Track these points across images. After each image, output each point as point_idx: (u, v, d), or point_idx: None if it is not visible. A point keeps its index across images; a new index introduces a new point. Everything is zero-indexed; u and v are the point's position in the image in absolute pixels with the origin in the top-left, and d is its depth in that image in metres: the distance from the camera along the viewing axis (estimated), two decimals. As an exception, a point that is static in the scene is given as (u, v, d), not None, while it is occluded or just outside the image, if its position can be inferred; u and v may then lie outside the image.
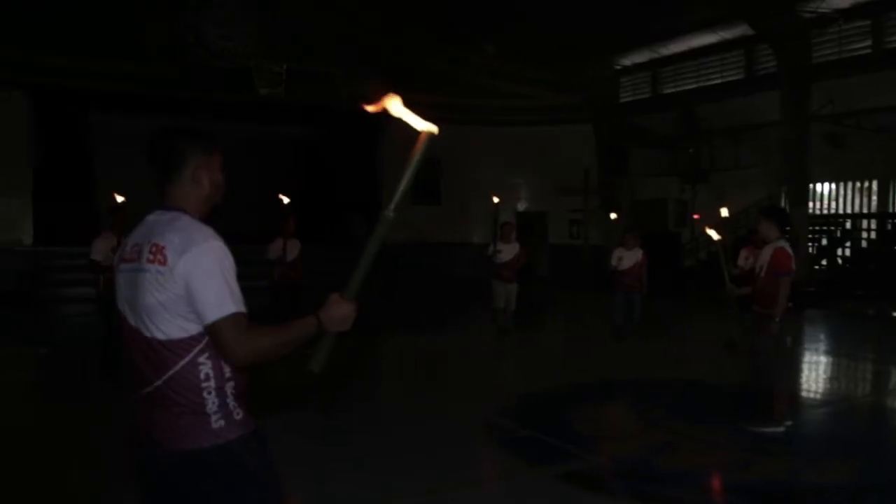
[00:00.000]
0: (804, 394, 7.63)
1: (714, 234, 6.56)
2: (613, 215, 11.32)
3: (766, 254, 6.09)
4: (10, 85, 15.54)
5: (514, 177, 21.17)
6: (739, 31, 16.63)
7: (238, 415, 2.12)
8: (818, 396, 7.72)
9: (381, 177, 19.34)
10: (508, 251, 10.50)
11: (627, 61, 19.42)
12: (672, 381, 8.08)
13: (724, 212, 7.04)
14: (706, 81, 18.02)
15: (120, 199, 8.15)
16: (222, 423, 2.08)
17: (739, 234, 6.30)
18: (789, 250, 5.99)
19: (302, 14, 17.83)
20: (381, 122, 19.60)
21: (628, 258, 10.05)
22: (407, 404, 7.00)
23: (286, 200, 9.84)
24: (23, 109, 15.90)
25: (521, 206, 21.61)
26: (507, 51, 19.08)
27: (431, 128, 2.00)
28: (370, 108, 2.04)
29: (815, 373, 9.12)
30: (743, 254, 9.11)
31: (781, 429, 5.97)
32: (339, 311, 2.09)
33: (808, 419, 6.78)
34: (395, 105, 1.99)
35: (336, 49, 17.72)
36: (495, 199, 11.47)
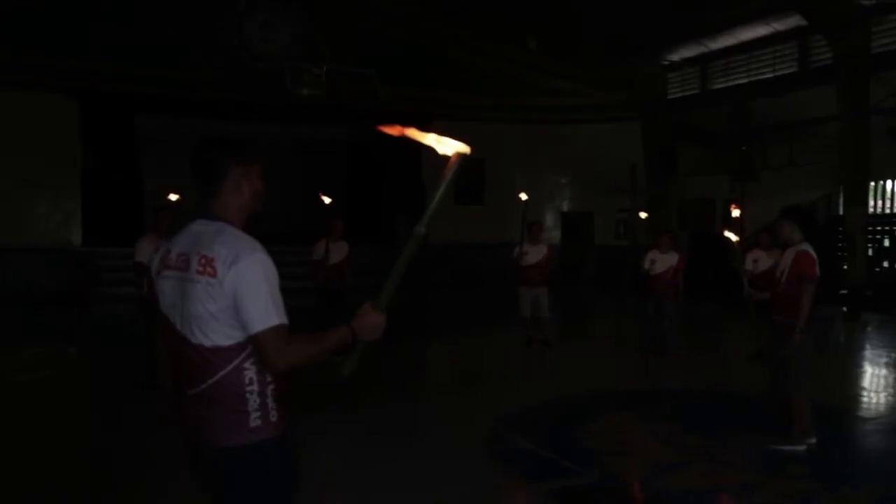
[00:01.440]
0: (841, 407, 7.07)
1: (731, 236, 6.13)
2: (643, 214, 10.49)
3: (787, 258, 5.66)
4: (61, 90, 15.98)
5: (560, 176, 20.77)
6: (793, 21, 15.82)
7: (274, 416, 2.24)
8: (858, 411, 7.15)
9: (425, 178, 19.21)
10: (536, 253, 9.90)
11: (675, 56, 18.75)
12: (695, 392, 7.66)
13: (736, 212, 6.52)
14: (758, 76, 17.22)
15: (174, 196, 8.15)
16: (259, 422, 2.20)
17: (749, 237, 5.68)
18: (813, 254, 5.54)
19: (341, 15, 17.91)
20: (425, 123, 19.66)
21: (662, 262, 9.27)
22: (411, 411, 6.81)
23: (328, 201, 9.50)
24: (73, 114, 16.36)
25: (566, 206, 21.17)
26: (551, 47, 18.70)
27: (464, 148, 2.04)
28: (392, 132, 2.11)
29: (860, 384, 8.49)
30: (750, 257, 8.50)
31: (802, 447, 5.54)
32: (371, 321, 2.21)
33: (841, 437, 6.26)
34: (423, 134, 2.07)
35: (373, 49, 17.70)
36: (522, 196, 10.67)
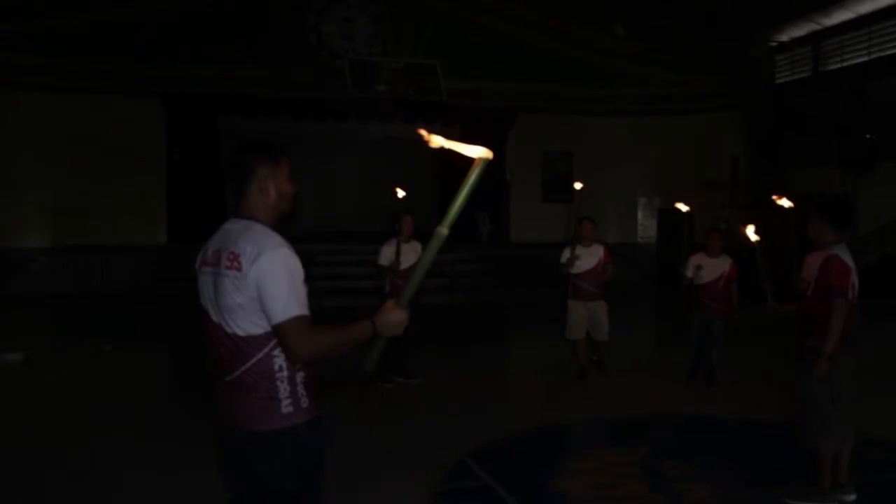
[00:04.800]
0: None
1: (752, 235, 4.95)
2: (685, 207, 8.59)
3: (814, 265, 4.48)
4: (147, 93, 16.48)
5: (654, 170, 19.24)
6: (922, -12, 13.73)
7: (304, 402, 2.39)
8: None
9: (509, 175, 18.36)
10: (589, 256, 8.00)
11: (784, 36, 16.81)
12: (726, 423, 6.38)
13: (787, 203, 5.19)
14: (880, 53, 15.05)
15: None
16: (291, 408, 2.35)
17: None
18: (847, 260, 4.36)
19: (416, 9, 17.47)
20: (509, 117, 18.81)
21: (710, 269, 7.40)
22: (381, 432, 6.05)
23: (401, 194, 8.35)
24: (158, 116, 16.84)
25: (663, 203, 19.61)
26: (642, 32, 17.33)
27: (486, 153, 2.07)
28: (424, 137, 2.14)
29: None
30: (808, 261, 6.89)
31: (829, 507, 4.35)
32: (393, 318, 2.28)
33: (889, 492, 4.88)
34: (442, 139, 2.11)
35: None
36: (577, 185, 8.71)
